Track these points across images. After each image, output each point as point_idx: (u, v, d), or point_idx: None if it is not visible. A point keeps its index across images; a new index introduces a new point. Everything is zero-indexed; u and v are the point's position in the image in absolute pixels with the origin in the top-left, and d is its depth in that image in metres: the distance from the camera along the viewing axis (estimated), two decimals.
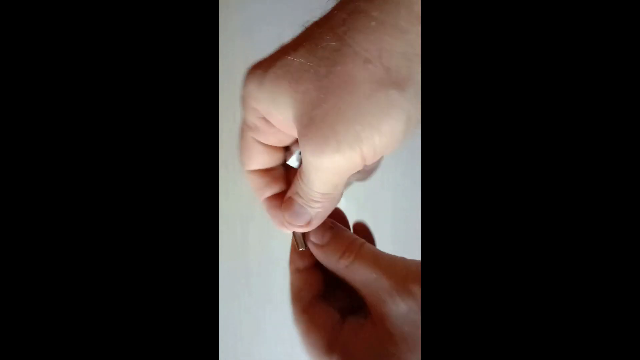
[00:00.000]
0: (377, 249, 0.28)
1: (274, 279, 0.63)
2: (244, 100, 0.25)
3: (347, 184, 0.28)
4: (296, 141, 0.28)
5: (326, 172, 0.23)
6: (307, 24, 0.24)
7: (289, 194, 0.28)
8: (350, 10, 0.21)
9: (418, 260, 0.27)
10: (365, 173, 0.30)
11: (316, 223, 0.28)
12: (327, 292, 0.30)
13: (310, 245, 0.29)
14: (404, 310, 0.25)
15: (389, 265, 0.26)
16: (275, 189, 0.29)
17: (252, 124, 0.26)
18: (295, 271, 0.30)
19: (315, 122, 0.21)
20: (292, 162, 0.30)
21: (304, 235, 0.29)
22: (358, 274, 0.27)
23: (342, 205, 0.31)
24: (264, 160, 0.28)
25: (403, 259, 0.27)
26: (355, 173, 0.24)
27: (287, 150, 0.29)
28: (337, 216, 0.31)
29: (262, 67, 0.24)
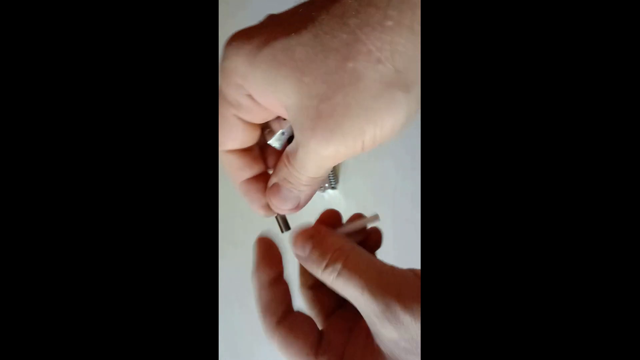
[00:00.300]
0: (370, 256, 0.26)
1: None
2: (226, 75, 0.23)
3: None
4: (277, 119, 0.27)
5: (325, 160, 0.23)
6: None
7: (275, 179, 0.26)
8: (362, 1, 0.20)
9: (416, 270, 0.25)
10: None
11: (304, 204, 0.27)
12: (315, 284, 0.29)
13: (295, 256, 0.28)
14: (395, 337, 0.24)
15: (379, 281, 0.24)
16: (254, 170, 0.27)
17: (235, 100, 0.24)
18: (260, 287, 0.28)
19: (322, 116, 0.21)
20: (273, 142, 0.28)
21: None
22: (345, 290, 0.25)
23: (342, 206, 0.31)
24: (243, 138, 0.26)
25: (398, 272, 0.25)
26: None
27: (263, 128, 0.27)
28: (331, 217, 0.30)
29: (252, 43, 0.22)
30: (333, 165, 0.24)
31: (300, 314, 0.28)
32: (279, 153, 0.28)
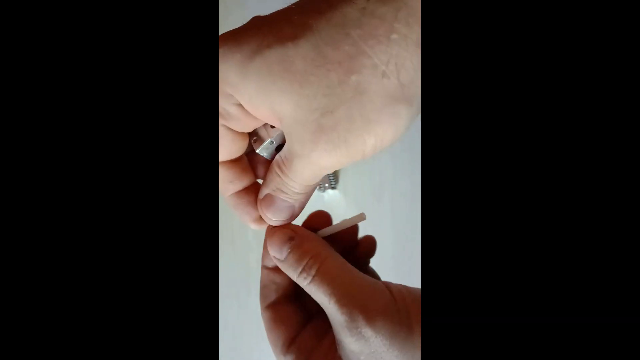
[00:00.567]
0: (345, 265, 0.25)
1: None
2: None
3: None
4: (264, 125, 0.26)
5: (324, 169, 0.23)
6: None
7: (266, 190, 0.26)
8: (363, 9, 0.19)
9: (390, 283, 0.25)
10: None
11: (299, 213, 0.26)
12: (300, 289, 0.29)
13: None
14: (357, 349, 0.23)
15: (348, 291, 0.24)
16: (244, 182, 0.27)
17: (223, 110, 0.23)
18: (264, 268, 0.29)
19: (324, 130, 0.21)
20: (262, 151, 0.27)
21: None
22: (316, 296, 0.25)
23: (342, 206, 0.31)
24: (232, 149, 0.25)
25: (369, 283, 0.24)
26: None
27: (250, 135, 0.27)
28: (319, 218, 0.29)
29: (243, 51, 0.21)
30: (330, 171, 0.24)
31: (290, 309, 0.28)
32: (268, 162, 0.27)
